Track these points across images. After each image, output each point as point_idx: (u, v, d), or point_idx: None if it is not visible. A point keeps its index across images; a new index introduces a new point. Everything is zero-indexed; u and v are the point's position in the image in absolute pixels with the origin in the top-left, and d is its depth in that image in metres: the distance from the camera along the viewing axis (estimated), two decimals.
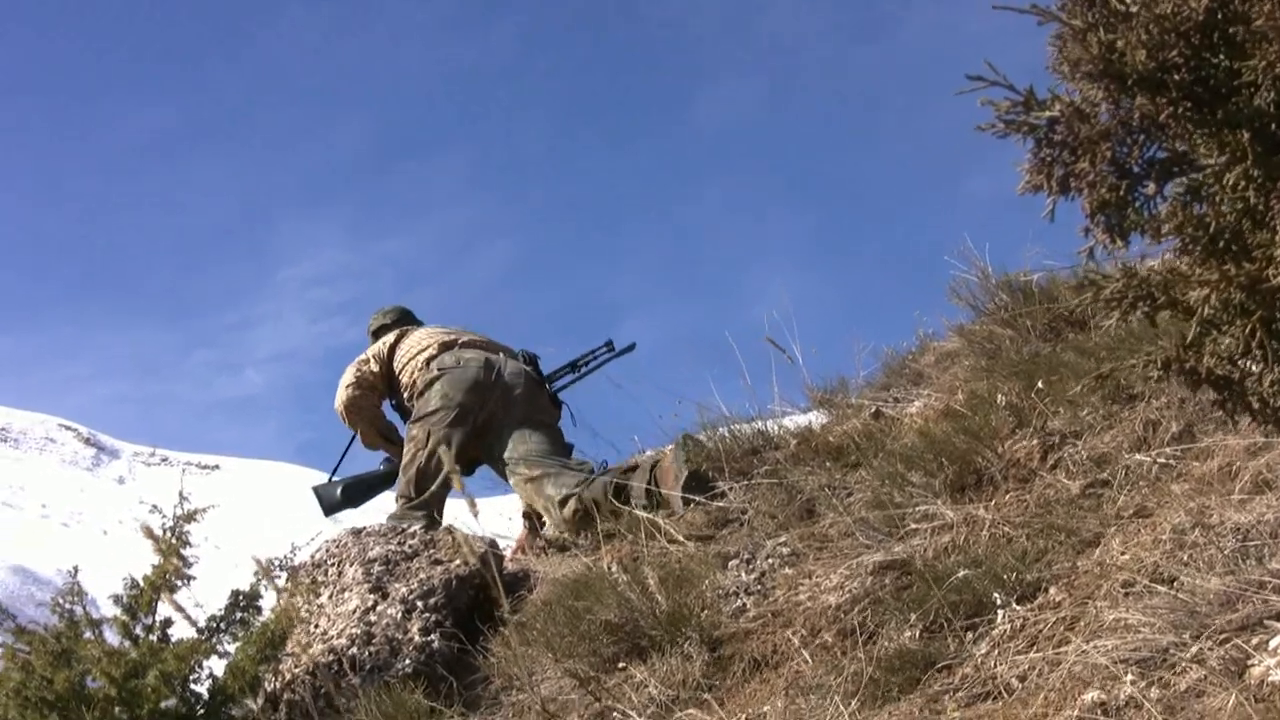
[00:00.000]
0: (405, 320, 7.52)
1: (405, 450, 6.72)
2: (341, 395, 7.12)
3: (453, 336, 7.04)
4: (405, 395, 7.01)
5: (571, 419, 7.04)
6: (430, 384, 6.74)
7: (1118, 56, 2.35)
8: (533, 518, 6.82)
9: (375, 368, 7.13)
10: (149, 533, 4.53)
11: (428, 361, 6.90)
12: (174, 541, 4.88)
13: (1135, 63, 2.35)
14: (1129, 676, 2.78)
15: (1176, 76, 2.41)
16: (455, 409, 6.60)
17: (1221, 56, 2.46)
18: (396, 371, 7.09)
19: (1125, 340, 4.35)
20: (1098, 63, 2.33)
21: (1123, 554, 3.47)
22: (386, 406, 7.34)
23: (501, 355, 6.90)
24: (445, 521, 6.50)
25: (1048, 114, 2.41)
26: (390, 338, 7.23)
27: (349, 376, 7.14)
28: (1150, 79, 2.37)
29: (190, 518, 5.04)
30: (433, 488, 6.51)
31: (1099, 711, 2.75)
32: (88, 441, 62.52)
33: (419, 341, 7.07)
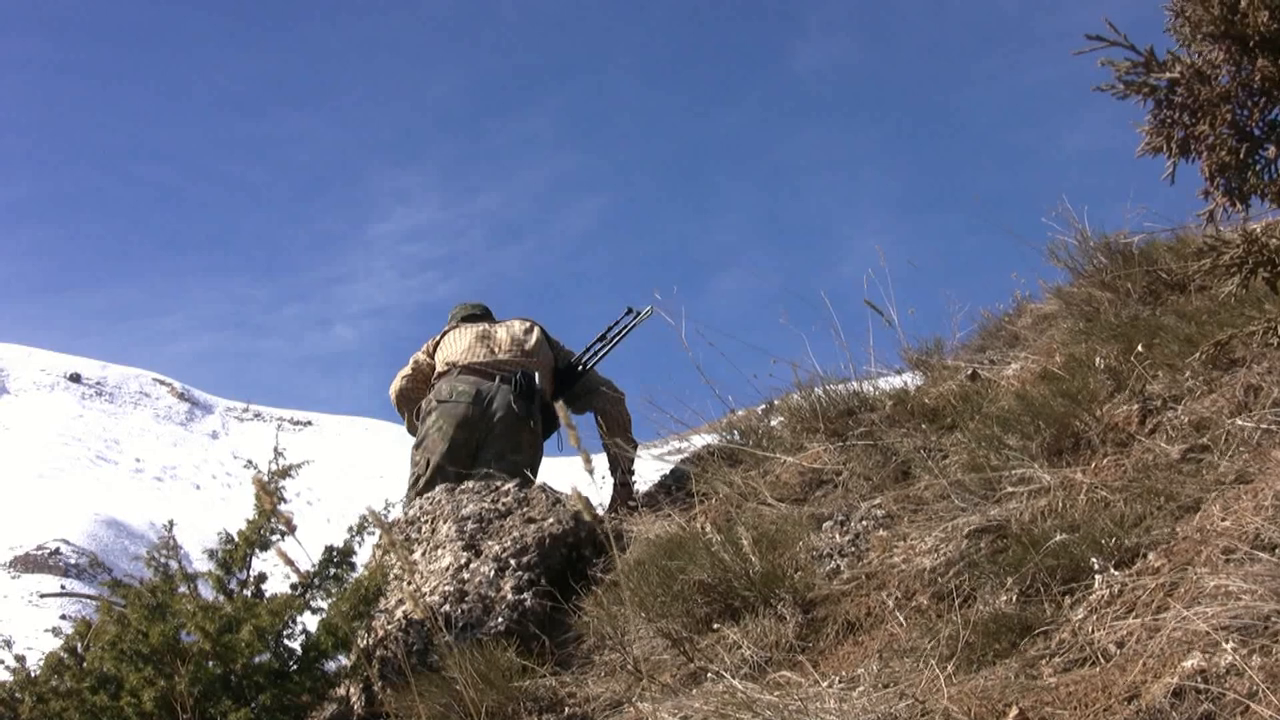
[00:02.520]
0: (477, 318, 7.84)
1: (410, 474, 7.17)
2: (395, 385, 7.65)
3: (457, 359, 7.35)
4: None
5: (558, 441, 7.38)
6: (426, 414, 7.21)
7: (1239, 17, 2.30)
8: (623, 474, 6.98)
9: (426, 359, 7.60)
10: (261, 485, 4.59)
11: (432, 385, 7.36)
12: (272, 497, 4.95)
13: (1257, 24, 2.29)
14: (1230, 644, 2.75)
15: None
16: (448, 443, 7.00)
17: None
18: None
19: (1226, 304, 4.29)
20: (1219, 24, 2.28)
21: (1223, 520, 3.42)
22: None
23: (496, 382, 7.18)
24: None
25: (1168, 75, 2.36)
26: (438, 336, 7.67)
27: (406, 368, 7.64)
28: (1273, 40, 2.31)
29: (285, 473, 5.12)
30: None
31: (1199, 679, 2.72)
32: (181, 396, 63.19)
33: (440, 355, 7.51)
